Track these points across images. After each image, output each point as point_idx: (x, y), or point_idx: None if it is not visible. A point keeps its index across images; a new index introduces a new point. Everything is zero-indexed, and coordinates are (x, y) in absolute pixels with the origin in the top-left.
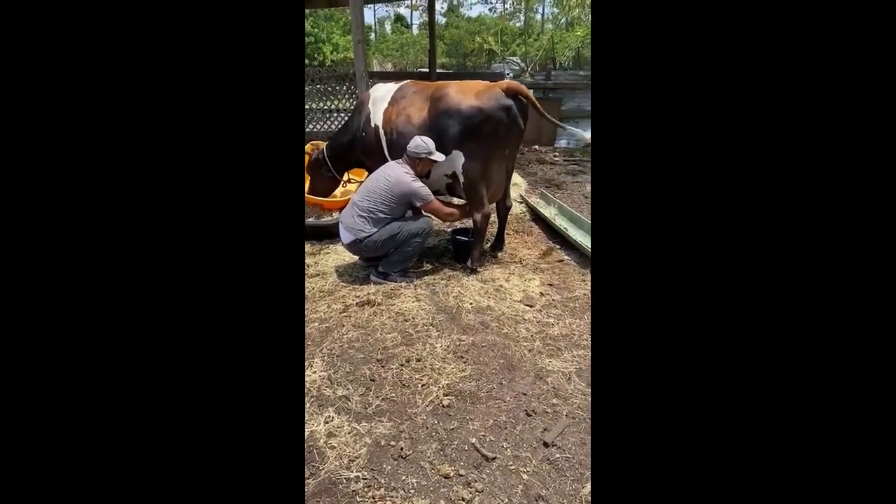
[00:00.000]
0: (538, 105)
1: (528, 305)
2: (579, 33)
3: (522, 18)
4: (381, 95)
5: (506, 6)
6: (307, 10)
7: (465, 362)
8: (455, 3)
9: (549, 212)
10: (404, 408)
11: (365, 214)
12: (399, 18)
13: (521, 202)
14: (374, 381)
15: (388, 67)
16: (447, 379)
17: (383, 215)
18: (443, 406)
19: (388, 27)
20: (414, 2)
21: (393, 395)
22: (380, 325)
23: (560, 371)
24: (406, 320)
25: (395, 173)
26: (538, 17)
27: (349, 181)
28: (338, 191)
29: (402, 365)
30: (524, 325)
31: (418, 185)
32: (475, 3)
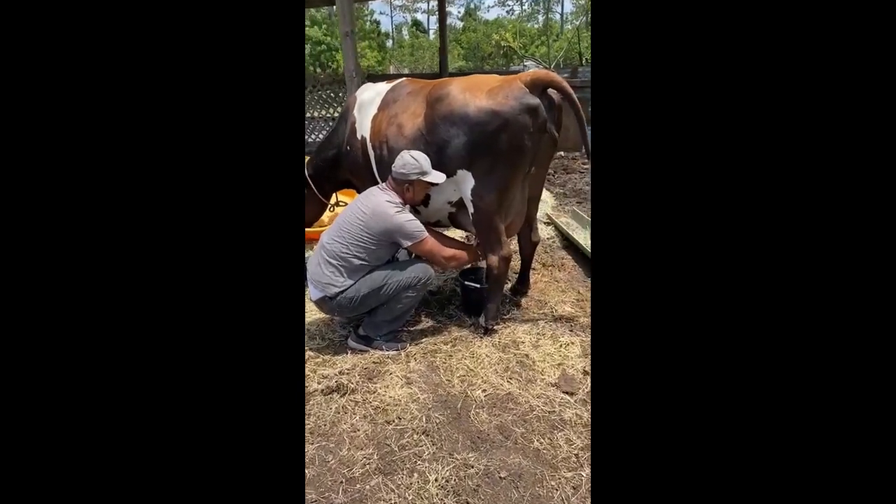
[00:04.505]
0: (576, 101)
1: (567, 393)
2: None
3: (541, 19)
4: (368, 98)
5: (524, 7)
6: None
7: None
8: (472, 6)
9: (583, 237)
10: None
11: (335, 261)
12: (416, 24)
13: (549, 223)
14: None
15: (405, 72)
16: None
17: (360, 262)
18: None
19: (405, 33)
20: (430, 6)
21: None
22: (349, 431)
23: None
24: (388, 422)
25: (374, 203)
26: (557, 17)
27: (338, 204)
28: (326, 216)
29: None
30: (563, 433)
31: (404, 219)
32: (492, 6)
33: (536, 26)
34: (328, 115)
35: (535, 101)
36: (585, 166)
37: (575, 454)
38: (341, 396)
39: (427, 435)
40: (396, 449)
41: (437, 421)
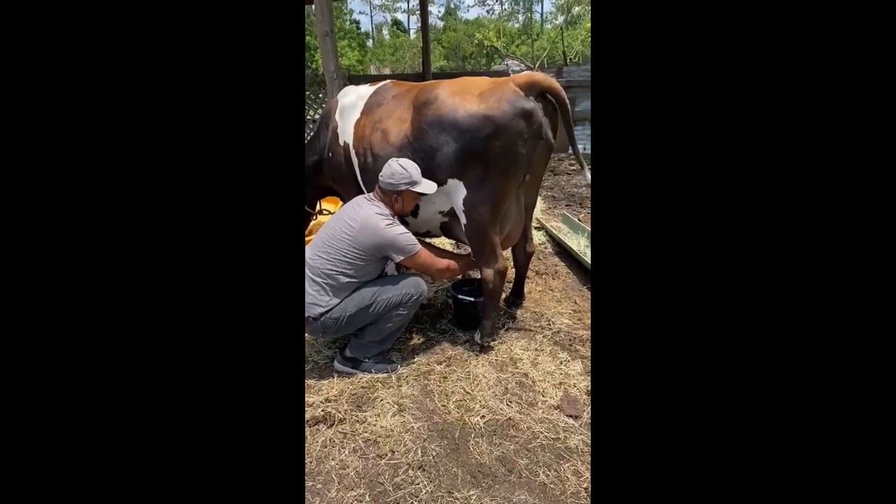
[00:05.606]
0: (569, 111)
1: (571, 416)
2: (589, 26)
3: (521, 18)
4: (350, 102)
5: (504, 7)
6: None
7: None
8: (452, 5)
9: (576, 242)
10: None
11: (320, 279)
12: (396, 23)
13: (539, 228)
14: None
15: (386, 72)
16: None
17: (348, 279)
18: None
19: (385, 32)
20: (411, 6)
21: None
22: (337, 467)
23: None
24: (380, 455)
25: (362, 215)
26: (537, 16)
27: (321, 212)
28: (313, 224)
29: None
30: (570, 464)
31: (396, 232)
32: (472, 6)
33: (517, 25)
34: (308, 117)
35: (529, 104)
36: (573, 168)
37: (584, 488)
38: (328, 428)
39: (423, 470)
40: (390, 489)
41: (434, 453)
